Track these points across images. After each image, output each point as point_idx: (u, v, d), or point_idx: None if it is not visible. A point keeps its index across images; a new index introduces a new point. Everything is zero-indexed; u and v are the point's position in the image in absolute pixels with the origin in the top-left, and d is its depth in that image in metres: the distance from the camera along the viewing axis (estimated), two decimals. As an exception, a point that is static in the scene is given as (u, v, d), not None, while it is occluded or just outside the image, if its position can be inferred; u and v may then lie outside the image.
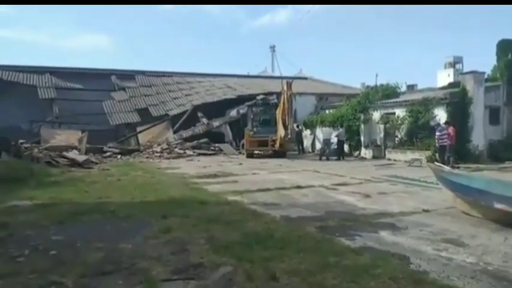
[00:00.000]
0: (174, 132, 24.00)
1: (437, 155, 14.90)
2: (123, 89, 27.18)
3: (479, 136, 16.74)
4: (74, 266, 4.03)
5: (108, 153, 20.07)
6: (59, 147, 17.84)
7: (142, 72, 29.87)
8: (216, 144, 23.11)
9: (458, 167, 12.99)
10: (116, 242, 4.85)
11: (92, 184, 10.17)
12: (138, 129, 24.14)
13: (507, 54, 18.51)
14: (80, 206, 7.01)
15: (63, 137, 20.63)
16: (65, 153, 16.29)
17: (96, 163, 16.26)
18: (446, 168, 7.85)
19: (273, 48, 50.19)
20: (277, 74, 41.71)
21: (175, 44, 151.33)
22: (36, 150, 16.01)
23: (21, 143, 16.65)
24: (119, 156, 19.75)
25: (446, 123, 15.15)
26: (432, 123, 15.68)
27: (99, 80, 27.15)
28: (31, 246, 4.72)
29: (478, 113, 16.76)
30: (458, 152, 15.27)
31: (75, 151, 17.81)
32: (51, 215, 6.29)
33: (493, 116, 17.83)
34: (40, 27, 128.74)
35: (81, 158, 16.02)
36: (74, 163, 14.96)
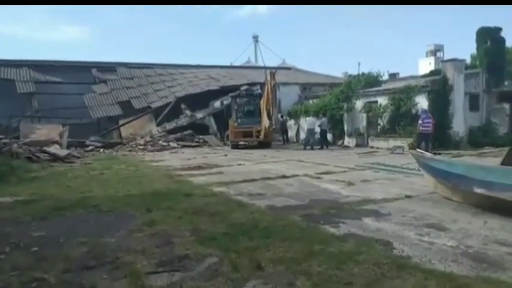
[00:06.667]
0: (158, 125, 23.78)
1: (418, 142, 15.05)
2: (104, 81, 26.75)
3: (460, 123, 17.08)
4: (56, 261, 3.97)
5: (90, 147, 19.81)
6: (39, 142, 17.47)
7: (124, 64, 29.42)
8: (200, 136, 23.00)
9: (439, 153, 13.22)
10: (100, 237, 4.79)
11: (74, 179, 10.00)
12: (121, 122, 23.86)
13: (486, 41, 18.84)
14: (62, 201, 6.89)
15: (44, 131, 20.21)
16: (45, 148, 15.96)
17: (78, 157, 16.01)
18: (428, 154, 7.96)
19: (256, 38, 49.87)
20: (260, 64, 41.55)
21: (156, 35, 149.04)
22: (15, 145, 15.59)
23: (0, 139, 16.25)
24: (101, 150, 19.51)
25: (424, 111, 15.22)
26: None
27: (80, 73, 26.68)
28: (12, 243, 4.62)
29: (458, 100, 17.07)
30: (439, 138, 15.53)
31: (56, 146, 17.50)
32: (32, 211, 6.17)
33: (473, 102, 18.20)
34: (16, 19, 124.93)
35: (63, 152, 15.74)
36: (55, 158, 14.69)
